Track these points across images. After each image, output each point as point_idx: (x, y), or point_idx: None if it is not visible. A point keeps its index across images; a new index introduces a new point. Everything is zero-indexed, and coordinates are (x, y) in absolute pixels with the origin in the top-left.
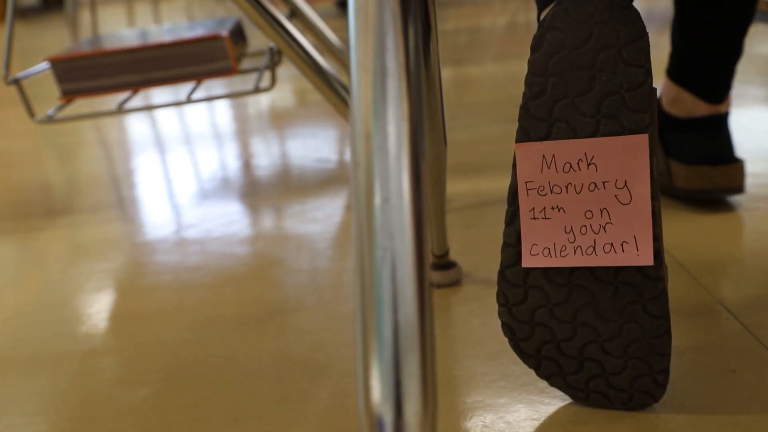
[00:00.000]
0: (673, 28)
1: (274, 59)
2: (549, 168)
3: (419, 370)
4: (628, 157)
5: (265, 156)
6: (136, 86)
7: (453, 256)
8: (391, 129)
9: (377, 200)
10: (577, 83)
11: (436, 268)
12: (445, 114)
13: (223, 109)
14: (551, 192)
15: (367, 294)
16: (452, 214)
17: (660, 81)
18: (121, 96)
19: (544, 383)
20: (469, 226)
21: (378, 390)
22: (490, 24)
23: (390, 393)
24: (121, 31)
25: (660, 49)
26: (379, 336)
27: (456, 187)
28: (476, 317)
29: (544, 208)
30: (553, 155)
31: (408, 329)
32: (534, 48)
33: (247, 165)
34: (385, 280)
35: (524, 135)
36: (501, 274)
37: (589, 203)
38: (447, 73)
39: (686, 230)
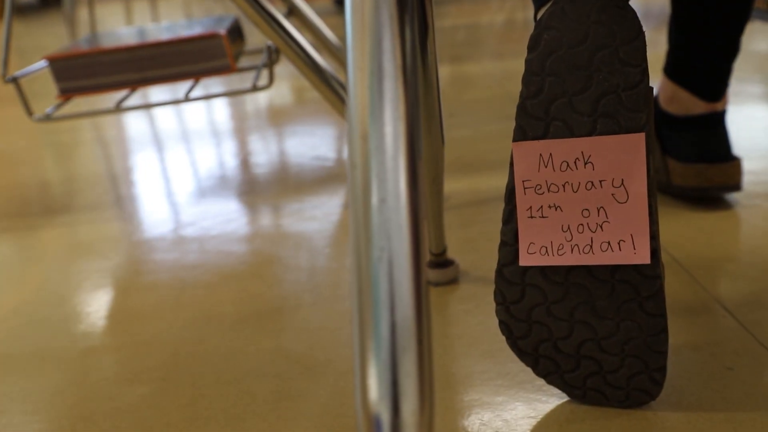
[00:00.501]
0: (671, 26)
1: (271, 57)
2: (546, 167)
3: (416, 369)
4: (625, 156)
5: (263, 154)
6: (134, 84)
7: (450, 254)
8: (388, 130)
9: (374, 201)
10: (574, 82)
11: (434, 266)
12: (443, 111)
13: (221, 107)
14: (548, 191)
15: (364, 294)
16: (450, 211)
17: (657, 79)
18: (119, 94)
19: (541, 381)
20: (467, 224)
21: (375, 389)
22: (488, 21)
23: (387, 392)
24: (119, 29)
25: (657, 47)
26: (376, 336)
27: (454, 185)
28: (474, 315)
29: (542, 206)
30: (550, 154)
31: (405, 329)
32: (531, 47)
33: (245, 163)
34: (382, 280)
35: (521, 134)
36: (498, 272)
37: (586, 202)
38: (445, 71)
39: (683, 228)
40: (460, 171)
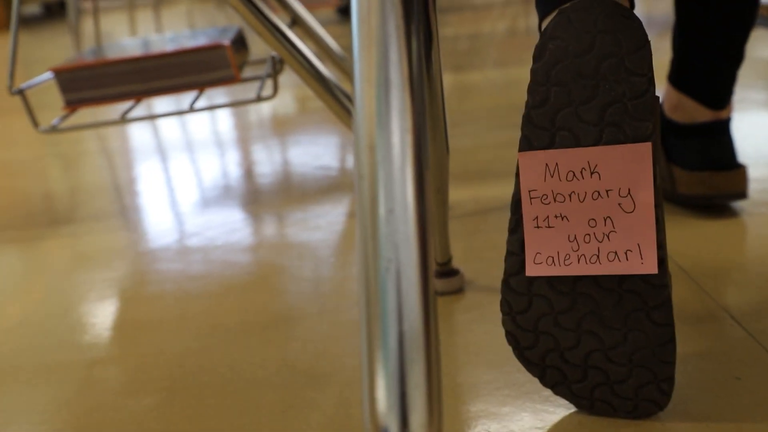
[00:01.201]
0: (675, 33)
1: (275, 67)
2: (552, 177)
3: (425, 381)
4: (632, 165)
5: (267, 164)
6: (138, 95)
7: (456, 263)
8: (395, 140)
9: (382, 211)
10: (580, 92)
11: (439, 275)
12: (447, 121)
13: (225, 118)
14: (555, 201)
15: (372, 305)
16: (455, 221)
17: (662, 87)
18: (124, 105)
19: (548, 392)
20: (472, 233)
21: (383, 401)
22: (490, 29)
23: (395, 404)
24: (123, 40)
25: (661, 54)
26: (384, 347)
27: (458, 195)
28: (479, 325)
29: (548, 216)
30: (557, 164)
31: (413, 340)
32: (536, 57)
33: (249, 173)
34: (390, 290)
35: (527, 144)
36: (505, 282)
37: (593, 212)
38: (448, 80)
39: (689, 236)
40: (464, 180)
